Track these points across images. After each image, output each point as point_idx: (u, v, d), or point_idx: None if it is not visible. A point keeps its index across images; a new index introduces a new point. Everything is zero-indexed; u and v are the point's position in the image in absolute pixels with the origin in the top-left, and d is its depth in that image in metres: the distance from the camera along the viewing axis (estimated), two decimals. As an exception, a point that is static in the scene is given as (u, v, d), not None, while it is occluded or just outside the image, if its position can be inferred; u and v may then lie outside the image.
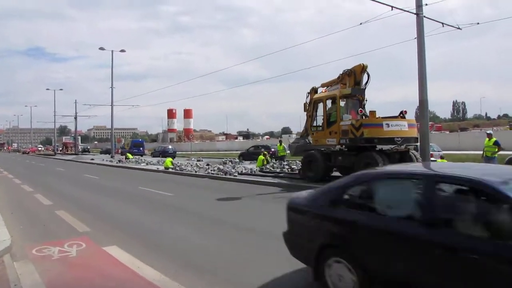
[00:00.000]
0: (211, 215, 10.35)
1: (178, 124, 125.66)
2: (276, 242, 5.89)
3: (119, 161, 38.03)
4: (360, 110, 16.24)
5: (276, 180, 17.56)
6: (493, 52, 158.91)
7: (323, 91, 17.73)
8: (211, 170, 22.09)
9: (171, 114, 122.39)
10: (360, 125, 14.74)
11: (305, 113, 18.17)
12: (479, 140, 24.37)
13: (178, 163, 27.70)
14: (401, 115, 15.58)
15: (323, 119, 16.93)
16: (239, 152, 43.50)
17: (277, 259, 5.90)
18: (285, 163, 22.88)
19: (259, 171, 21.82)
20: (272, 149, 31.62)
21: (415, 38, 15.73)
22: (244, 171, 21.38)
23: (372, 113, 15.57)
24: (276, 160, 25.03)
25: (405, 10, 15.97)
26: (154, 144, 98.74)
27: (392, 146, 15.27)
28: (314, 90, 18.32)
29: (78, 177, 23.91)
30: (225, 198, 13.27)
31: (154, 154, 50.19)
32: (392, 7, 15.50)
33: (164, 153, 46.76)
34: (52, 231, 8.66)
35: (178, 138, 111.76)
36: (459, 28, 16.92)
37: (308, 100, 18.03)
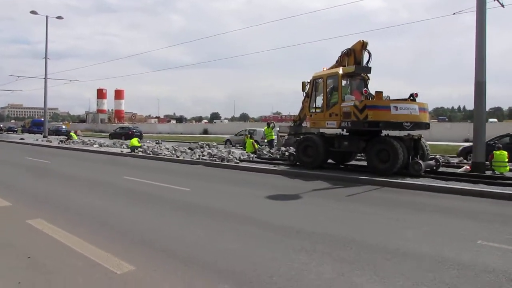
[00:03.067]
0: (284, 224, 6.67)
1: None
2: None
3: (61, 141, 31.34)
4: (365, 90, 13.63)
5: (292, 168, 14.22)
6: (407, 52, 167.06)
7: (324, 69, 14.71)
8: (201, 156, 17.69)
9: (101, 94, 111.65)
10: (364, 107, 12.45)
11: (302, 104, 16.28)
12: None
13: (144, 145, 22.59)
14: (411, 97, 13.04)
15: (323, 100, 14.35)
16: (188, 135, 39.49)
17: None
18: (277, 148, 19.26)
19: (256, 157, 17.97)
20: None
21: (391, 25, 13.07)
22: (242, 157, 17.32)
23: (378, 94, 12.99)
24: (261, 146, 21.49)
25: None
26: (85, 125, 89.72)
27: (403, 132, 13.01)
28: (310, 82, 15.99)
29: (22, 161, 18.13)
30: (265, 195, 9.31)
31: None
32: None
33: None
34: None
35: (108, 120, 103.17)
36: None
37: (304, 90, 15.74)
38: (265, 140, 22.69)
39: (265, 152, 19.17)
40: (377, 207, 8.24)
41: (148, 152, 20.06)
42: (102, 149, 24.36)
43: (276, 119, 74.68)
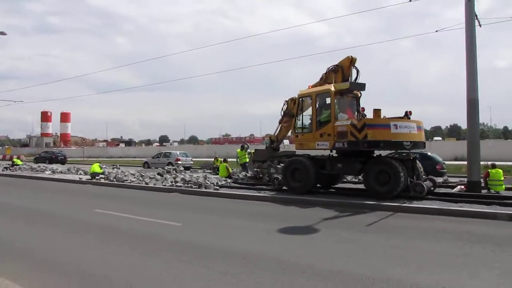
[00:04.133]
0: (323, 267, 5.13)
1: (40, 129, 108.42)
2: None
3: (6, 168, 27.91)
4: (362, 108, 12.92)
5: (279, 194, 12.88)
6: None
7: (309, 86, 13.81)
8: (173, 182, 15.89)
9: (45, 117, 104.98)
10: (363, 126, 11.50)
11: (279, 124, 15.78)
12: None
13: (105, 171, 20.28)
14: (407, 116, 12.15)
15: (311, 119, 13.22)
16: (142, 159, 38.75)
17: None
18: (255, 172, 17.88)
19: (232, 182, 16.49)
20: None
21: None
22: (219, 182, 15.74)
23: (377, 111, 11.89)
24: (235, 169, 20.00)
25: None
26: (28, 149, 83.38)
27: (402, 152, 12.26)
28: (293, 100, 15.12)
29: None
30: (268, 228, 7.90)
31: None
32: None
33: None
34: None
35: (54, 143, 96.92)
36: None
37: (284, 109, 15.28)
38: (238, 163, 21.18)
39: (240, 176, 17.78)
40: (408, 239, 7.06)
41: (112, 179, 17.92)
42: (56, 176, 21.71)
43: (249, 141, 72.95)
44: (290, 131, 15.71)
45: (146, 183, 16.27)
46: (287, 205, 11.20)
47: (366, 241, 6.93)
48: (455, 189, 13.10)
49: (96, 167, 19.20)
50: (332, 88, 12.44)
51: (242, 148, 20.47)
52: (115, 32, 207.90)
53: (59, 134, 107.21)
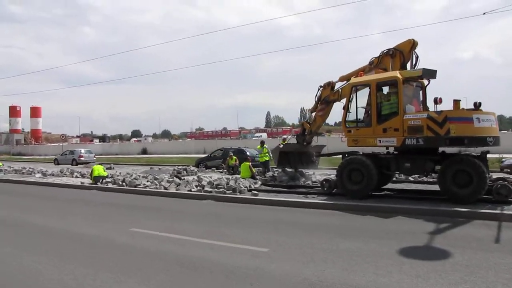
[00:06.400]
0: None
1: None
2: None
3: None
4: (440, 98, 10.51)
5: (334, 200, 11.05)
6: (319, 66, 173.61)
7: (360, 74, 12.11)
8: (199, 186, 13.81)
9: (14, 112, 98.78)
10: (444, 119, 9.72)
11: (311, 113, 14.89)
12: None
13: (109, 174, 17.82)
14: (476, 107, 10.26)
15: (369, 112, 11.40)
16: (126, 156, 38.02)
17: None
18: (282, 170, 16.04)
19: (261, 184, 14.62)
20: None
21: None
22: (250, 185, 13.82)
23: (457, 102, 10.11)
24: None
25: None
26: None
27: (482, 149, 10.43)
28: (330, 85, 13.68)
29: None
30: (388, 251, 6.01)
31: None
32: None
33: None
34: None
35: (24, 140, 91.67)
36: None
37: (318, 95, 13.97)
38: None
39: (267, 176, 15.93)
40: None
41: (121, 183, 15.61)
42: (50, 179, 19.04)
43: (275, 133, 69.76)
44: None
45: (166, 188, 14.10)
46: (359, 214, 9.37)
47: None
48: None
49: (100, 170, 16.77)
50: (399, 75, 10.64)
51: (262, 145, 18.48)
52: (81, 22, 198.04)
53: (28, 130, 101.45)
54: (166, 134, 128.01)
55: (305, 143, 14.96)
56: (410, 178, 14.42)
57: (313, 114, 14.61)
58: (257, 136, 60.90)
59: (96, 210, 11.32)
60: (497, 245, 6.63)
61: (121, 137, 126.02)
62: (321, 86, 13.91)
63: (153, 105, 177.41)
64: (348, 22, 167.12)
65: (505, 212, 8.58)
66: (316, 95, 14.06)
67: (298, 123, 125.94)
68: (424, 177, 14.03)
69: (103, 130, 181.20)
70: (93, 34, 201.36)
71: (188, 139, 68.81)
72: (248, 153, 21.76)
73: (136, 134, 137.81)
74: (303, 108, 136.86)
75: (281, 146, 15.58)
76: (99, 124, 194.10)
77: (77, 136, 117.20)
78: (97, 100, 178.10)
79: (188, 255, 6.30)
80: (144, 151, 54.70)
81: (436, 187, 12.46)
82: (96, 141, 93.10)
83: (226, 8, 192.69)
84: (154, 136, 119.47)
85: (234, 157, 19.73)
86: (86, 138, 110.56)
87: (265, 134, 66.80)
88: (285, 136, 19.75)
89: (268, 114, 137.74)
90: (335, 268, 5.52)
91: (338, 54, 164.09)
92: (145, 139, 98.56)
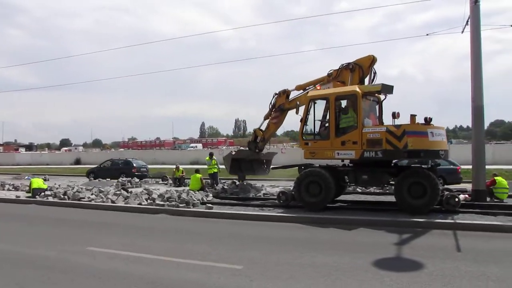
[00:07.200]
0: None
1: None
2: None
3: None
4: (398, 113, 10.85)
5: (292, 212, 11.02)
6: (255, 79, 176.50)
7: (317, 87, 12.48)
8: (149, 199, 13.07)
9: None
10: (403, 133, 10.12)
11: (264, 120, 14.75)
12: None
13: (54, 185, 16.31)
14: (427, 122, 10.71)
15: (326, 125, 11.59)
16: (58, 166, 34.80)
17: None
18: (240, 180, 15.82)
19: (213, 196, 14.25)
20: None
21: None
22: (202, 198, 13.37)
23: (413, 117, 10.50)
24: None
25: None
26: None
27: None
28: (285, 93, 14.02)
29: None
30: (364, 264, 5.98)
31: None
32: None
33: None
34: None
35: None
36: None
37: (272, 103, 14.21)
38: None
39: (218, 188, 15.59)
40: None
41: (62, 196, 14.35)
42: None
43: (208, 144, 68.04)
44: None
45: (113, 202, 13.20)
46: (321, 227, 9.36)
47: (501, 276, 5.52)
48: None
49: (39, 182, 15.34)
50: (358, 90, 10.89)
51: (211, 156, 18.09)
52: (7, 23, 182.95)
53: None
54: (97, 144, 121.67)
55: (257, 150, 15.03)
56: (358, 190, 14.86)
57: (267, 121, 14.68)
58: (192, 147, 60.09)
59: (42, 227, 10.27)
60: (460, 253, 6.92)
61: (49, 146, 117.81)
62: (276, 94, 14.12)
63: (83, 113, 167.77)
64: (284, 37, 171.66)
65: (458, 221, 9.06)
66: (271, 103, 14.27)
67: (232, 134, 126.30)
68: (371, 189, 14.60)
69: (29, 138, 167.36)
70: (21, 36, 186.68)
71: (121, 149, 65.83)
72: (134, 165, 24.76)
73: (65, 143, 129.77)
74: (238, 119, 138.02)
75: (233, 153, 15.40)
76: (24, 132, 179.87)
77: (0, 145, 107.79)
78: (23, 106, 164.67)
79: (160, 276, 5.82)
80: (78, 161, 51.41)
81: (385, 198, 13.04)
82: (22, 150, 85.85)
83: (163, 17, 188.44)
84: (85, 145, 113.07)
85: (181, 168, 19.16)
86: (10, 146, 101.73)
87: (200, 144, 66.04)
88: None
89: (203, 124, 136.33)
90: (319, 284, 5.38)
91: (274, 68, 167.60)
92: (76, 148, 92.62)
